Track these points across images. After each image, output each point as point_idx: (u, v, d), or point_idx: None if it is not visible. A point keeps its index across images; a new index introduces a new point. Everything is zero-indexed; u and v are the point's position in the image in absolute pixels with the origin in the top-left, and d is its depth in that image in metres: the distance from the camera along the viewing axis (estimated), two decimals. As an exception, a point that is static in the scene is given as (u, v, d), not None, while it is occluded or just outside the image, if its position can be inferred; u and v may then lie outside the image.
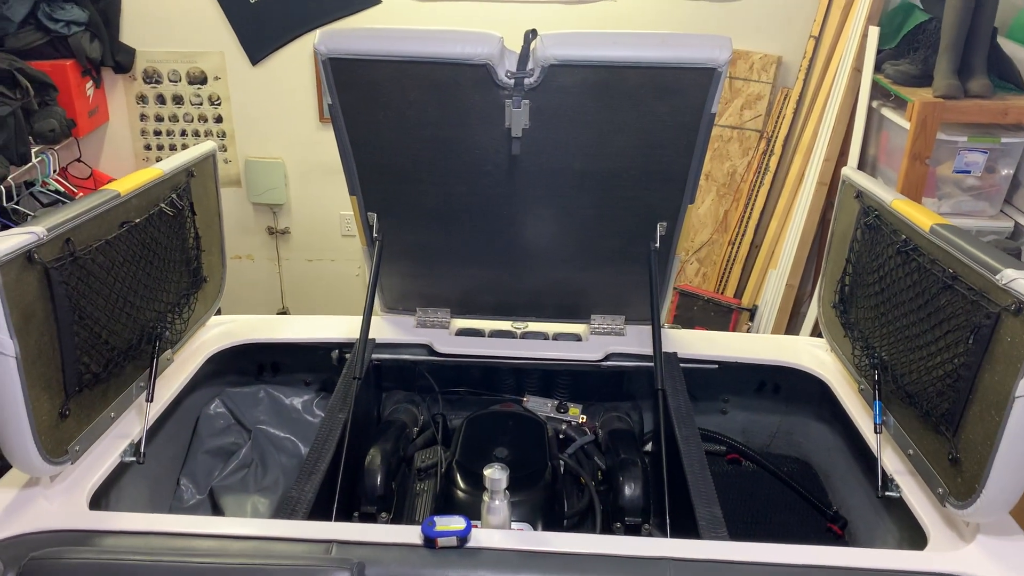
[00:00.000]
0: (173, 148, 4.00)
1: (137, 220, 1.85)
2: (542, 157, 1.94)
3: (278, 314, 4.19)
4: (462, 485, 1.90)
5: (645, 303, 2.33)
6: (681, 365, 2.26)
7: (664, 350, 2.27)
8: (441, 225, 2.16)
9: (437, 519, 1.52)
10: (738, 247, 3.86)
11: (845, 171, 2.16)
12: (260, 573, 1.39)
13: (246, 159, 4.00)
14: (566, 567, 1.48)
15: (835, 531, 2.27)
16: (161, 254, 1.98)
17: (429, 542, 1.50)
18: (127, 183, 1.87)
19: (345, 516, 1.97)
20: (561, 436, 2.29)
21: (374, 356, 2.32)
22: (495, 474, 1.55)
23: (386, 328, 2.40)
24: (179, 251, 2.08)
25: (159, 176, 1.96)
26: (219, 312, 2.43)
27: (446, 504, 1.91)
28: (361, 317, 2.29)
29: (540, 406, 2.36)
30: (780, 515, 2.40)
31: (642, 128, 1.87)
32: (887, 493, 1.78)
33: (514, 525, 1.79)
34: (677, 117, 1.85)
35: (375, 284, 2.11)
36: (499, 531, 1.56)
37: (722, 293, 3.92)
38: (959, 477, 1.57)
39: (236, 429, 2.46)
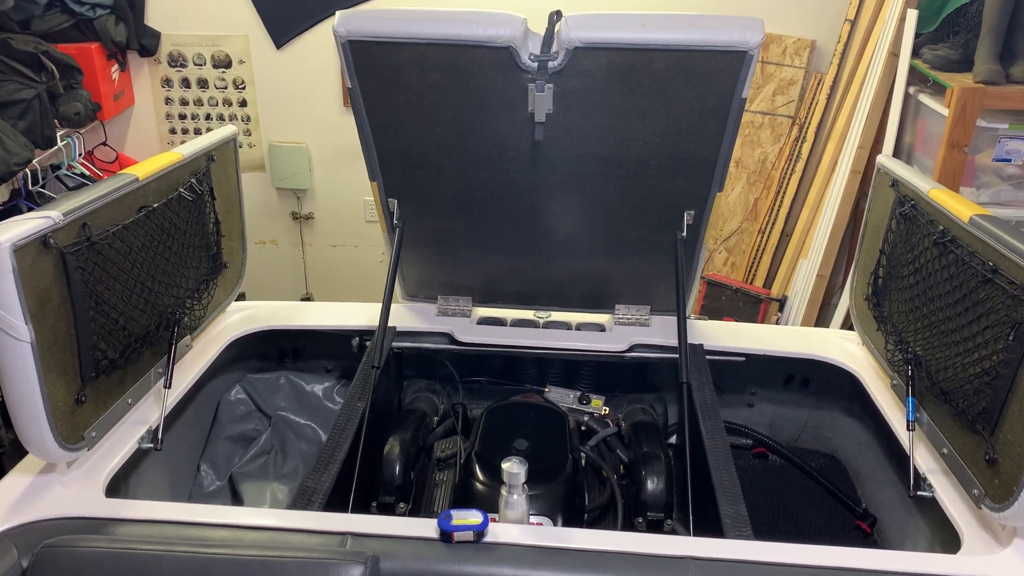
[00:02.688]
0: (198, 132, 4.00)
1: (155, 205, 1.83)
2: (566, 143, 1.89)
3: (302, 300, 4.19)
4: (480, 477, 1.86)
5: (671, 293, 2.28)
6: (707, 357, 2.21)
7: (690, 342, 2.22)
8: (462, 212, 2.12)
9: (454, 513, 1.49)
10: (768, 236, 3.78)
11: (880, 159, 2.09)
12: (272, 565, 1.37)
13: (270, 143, 3.99)
14: (585, 564, 1.44)
15: (864, 529, 2.21)
16: (180, 239, 1.96)
17: (445, 536, 1.47)
18: (145, 167, 1.85)
19: (363, 506, 1.95)
20: (583, 428, 2.25)
21: (394, 344, 2.30)
22: (513, 468, 1.52)
23: (407, 316, 2.38)
24: (198, 236, 2.06)
25: (178, 160, 1.94)
26: (243, 297, 2.42)
27: (464, 496, 1.88)
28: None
29: (562, 397, 2.32)
30: (807, 512, 2.34)
31: (670, 113, 1.81)
32: (919, 493, 1.72)
33: (533, 519, 1.75)
34: (706, 102, 1.79)
35: (395, 271, 2.07)
36: (517, 526, 1.52)
37: (751, 283, 3.85)
38: (996, 478, 1.50)
39: (256, 415, 2.45)
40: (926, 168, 3.07)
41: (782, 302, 3.67)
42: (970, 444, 1.61)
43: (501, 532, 1.50)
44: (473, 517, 1.49)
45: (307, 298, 4.24)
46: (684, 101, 1.79)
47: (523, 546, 1.47)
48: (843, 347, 2.25)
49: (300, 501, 1.66)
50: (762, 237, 3.81)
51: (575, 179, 1.99)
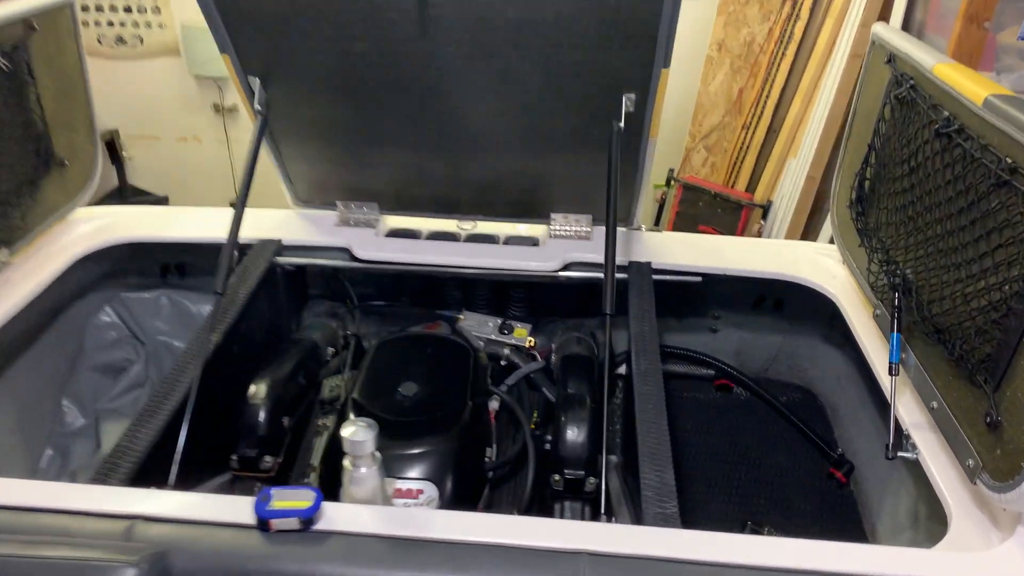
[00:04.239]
0: (100, 10, 3.47)
1: None
2: (460, 2, 1.45)
3: (230, 205, 3.76)
4: None
5: (617, 200, 1.88)
6: (654, 277, 1.82)
7: (636, 259, 1.85)
8: (347, 95, 1.69)
9: (275, 493, 1.13)
10: (753, 132, 3.36)
11: (876, 28, 1.66)
12: (13, 567, 1.01)
13: (183, 24, 3.48)
14: (444, 560, 1.09)
15: (838, 478, 1.91)
16: (-22, 128, 1.54)
17: (262, 524, 1.12)
18: (-87, 34, 1.42)
19: (219, 461, 1.60)
20: (503, 363, 1.88)
21: (278, 260, 1.91)
22: (357, 435, 1.14)
23: (299, 226, 1.99)
24: (14, 126, 1.64)
25: (-31, 28, 1.50)
26: (165, 202, 2.02)
27: (336, 455, 1.52)
28: (280, 210, 1.95)
29: (479, 326, 1.94)
30: (774, 455, 2.03)
31: None
32: (900, 453, 1.37)
33: (412, 485, 1.40)
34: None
35: (252, 170, 1.67)
36: (362, 508, 1.16)
37: (732, 187, 3.47)
38: (998, 448, 1.14)
39: (130, 342, 2.12)
40: (939, 49, 2.59)
41: (766, 208, 3.28)
42: (967, 399, 1.24)
43: (339, 517, 1.14)
44: (301, 498, 1.13)
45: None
46: (609, -60, 1.34)
47: (364, 536, 1.12)
48: (821, 265, 1.88)
49: (102, 469, 1.29)
50: (746, 133, 3.39)
51: (481, 52, 1.55)
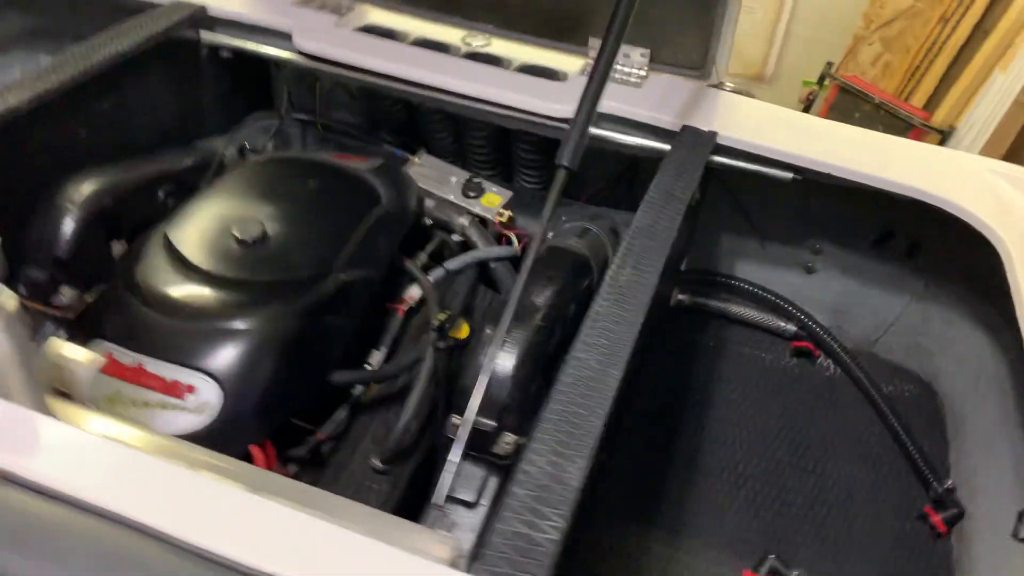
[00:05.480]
0: None
1: None
2: None
3: None
4: (157, 286, 0.96)
5: (688, 35, 1.31)
6: (717, 159, 1.27)
7: (693, 123, 1.21)
8: None
9: None
10: (954, 28, 2.64)
11: None
12: None
13: None
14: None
15: (935, 524, 1.39)
16: None
17: None
18: None
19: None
20: (458, 238, 1.30)
21: (204, 39, 1.45)
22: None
23: (243, -6, 1.48)
24: None
25: None
26: None
27: (117, 316, 0.99)
28: None
29: (436, 178, 1.34)
30: (847, 464, 1.54)
31: None
32: None
33: (179, 377, 0.87)
34: None
35: None
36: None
37: (906, 100, 2.75)
38: None
39: None
40: None
41: (945, 135, 2.58)
42: None
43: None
44: None
45: None
46: None
47: None
48: (993, 188, 1.32)
49: None
50: (943, 28, 2.65)
51: None
